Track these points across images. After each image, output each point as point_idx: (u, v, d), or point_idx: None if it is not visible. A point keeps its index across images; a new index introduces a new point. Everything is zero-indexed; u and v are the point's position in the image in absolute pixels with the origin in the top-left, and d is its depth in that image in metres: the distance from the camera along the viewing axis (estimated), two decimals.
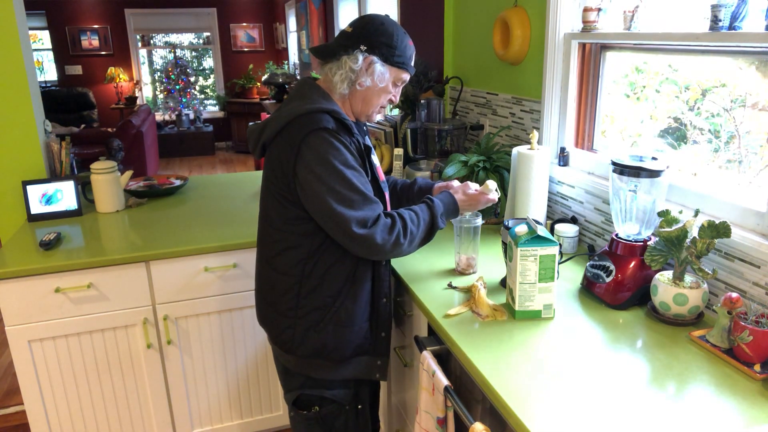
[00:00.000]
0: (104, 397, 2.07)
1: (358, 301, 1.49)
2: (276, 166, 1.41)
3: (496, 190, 1.62)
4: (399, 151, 2.63)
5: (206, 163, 8.09)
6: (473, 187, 1.63)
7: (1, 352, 3.19)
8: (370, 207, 1.38)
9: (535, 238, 1.39)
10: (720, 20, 1.36)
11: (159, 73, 8.91)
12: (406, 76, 1.50)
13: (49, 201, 2.29)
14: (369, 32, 1.41)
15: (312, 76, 1.54)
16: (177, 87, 8.54)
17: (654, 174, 1.45)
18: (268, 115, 1.49)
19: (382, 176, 1.59)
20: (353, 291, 1.48)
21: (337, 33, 5.32)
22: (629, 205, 1.52)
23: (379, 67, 1.42)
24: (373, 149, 1.58)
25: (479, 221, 1.68)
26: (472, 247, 1.68)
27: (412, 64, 1.50)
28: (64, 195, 2.30)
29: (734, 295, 1.27)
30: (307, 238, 1.44)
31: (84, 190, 2.40)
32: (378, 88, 1.46)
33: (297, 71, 7.50)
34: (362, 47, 1.40)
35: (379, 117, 1.63)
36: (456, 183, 1.67)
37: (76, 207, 2.33)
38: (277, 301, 1.50)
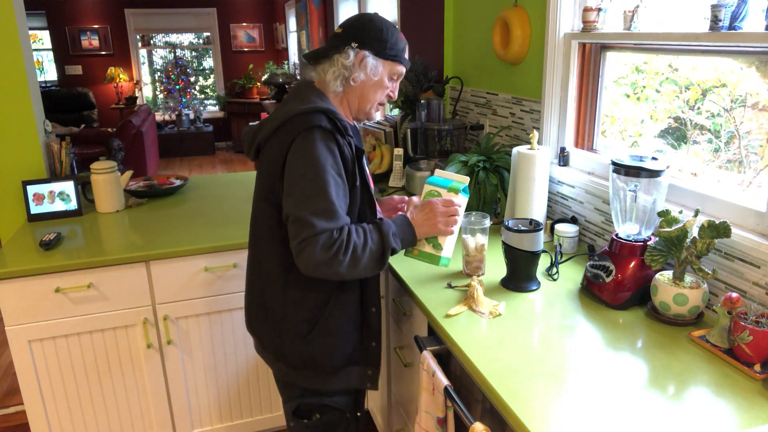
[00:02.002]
0: (104, 397, 2.07)
1: (346, 310, 1.46)
2: (266, 167, 1.39)
3: (464, 190, 1.52)
4: (399, 151, 2.63)
5: (206, 163, 8.09)
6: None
7: (1, 352, 3.19)
8: (329, 220, 1.30)
9: (450, 185, 1.49)
10: (720, 20, 1.36)
11: (159, 73, 8.91)
12: (401, 69, 1.48)
13: (56, 199, 2.29)
14: (358, 29, 1.41)
15: (312, 76, 1.53)
16: (177, 87, 8.54)
17: (654, 174, 1.45)
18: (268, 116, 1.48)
19: (371, 183, 1.55)
20: (341, 300, 1.45)
21: None
22: (629, 205, 1.52)
23: (371, 60, 1.41)
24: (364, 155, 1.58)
25: (487, 222, 1.67)
26: (480, 249, 1.68)
27: (406, 57, 1.48)
28: (63, 196, 2.31)
29: (734, 295, 1.27)
30: (289, 244, 1.38)
31: (84, 190, 2.40)
32: (373, 82, 1.44)
33: (297, 71, 7.50)
34: (353, 44, 1.40)
35: (378, 115, 1.58)
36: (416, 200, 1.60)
37: (76, 207, 2.33)
38: (266, 306, 1.48)
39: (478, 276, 1.68)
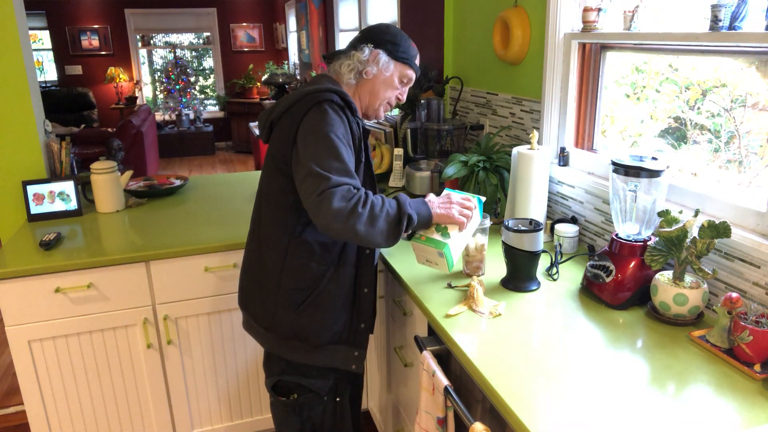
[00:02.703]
0: (104, 397, 2.07)
1: (340, 286, 1.52)
2: (278, 139, 1.47)
3: (475, 207, 1.53)
4: (399, 151, 2.63)
5: (206, 163, 8.09)
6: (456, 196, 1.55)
7: (1, 352, 3.19)
8: (345, 176, 1.34)
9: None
10: (720, 20, 1.36)
11: (159, 73, 8.91)
12: (411, 74, 1.60)
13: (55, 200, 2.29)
14: (374, 33, 1.55)
15: (312, 75, 1.58)
16: (177, 87, 8.54)
17: (654, 174, 1.45)
18: None
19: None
20: (336, 275, 1.51)
21: (336, 33, 5.33)
22: (629, 205, 1.52)
23: (384, 57, 1.54)
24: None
25: (487, 222, 1.68)
26: (480, 249, 1.68)
27: (417, 64, 1.60)
28: (62, 196, 2.31)
29: (734, 295, 1.27)
30: (297, 213, 1.47)
31: (84, 190, 2.40)
32: (384, 77, 1.55)
33: (297, 71, 7.50)
34: (369, 45, 1.54)
35: (383, 114, 1.64)
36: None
37: (76, 207, 2.33)
38: (261, 276, 1.54)
39: (478, 276, 1.68)
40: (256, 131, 5.40)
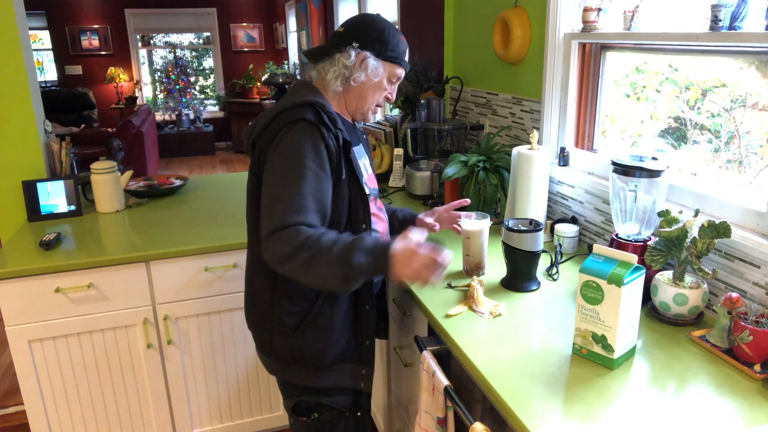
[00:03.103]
0: (104, 397, 2.07)
1: (337, 306, 1.45)
2: (255, 161, 1.40)
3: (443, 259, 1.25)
4: (399, 151, 2.63)
5: (206, 163, 8.09)
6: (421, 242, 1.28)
7: (1, 352, 3.19)
8: (300, 214, 1.26)
9: (634, 269, 1.20)
10: (720, 20, 1.36)
11: (159, 73, 8.91)
12: (401, 72, 1.49)
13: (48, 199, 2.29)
14: (360, 29, 1.42)
15: (312, 75, 1.54)
16: (177, 87, 8.54)
17: (654, 174, 1.45)
18: None
19: (370, 180, 1.54)
20: (331, 295, 1.43)
21: None
22: (629, 205, 1.52)
23: (372, 61, 1.42)
24: (364, 149, 1.56)
25: (488, 222, 1.67)
26: (480, 248, 1.68)
27: (407, 59, 1.49)
28: (61, 195, 2.31)
29: (734, 295, 1.27)
30: None
31: (84, 190, 2.40)
32: (373, 83, 1.45)
33: (297, 71, 7.50)
34: (354, 44, 1.40)
35: (375, 116, 1.56)
36: (429, 220, 1.68)
37: (76, 207, 2.33)
38: (256, 304, 1.49)
39: (479, 276, 1.68)
40: None
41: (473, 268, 1.69)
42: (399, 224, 1.71)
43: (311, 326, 1.44)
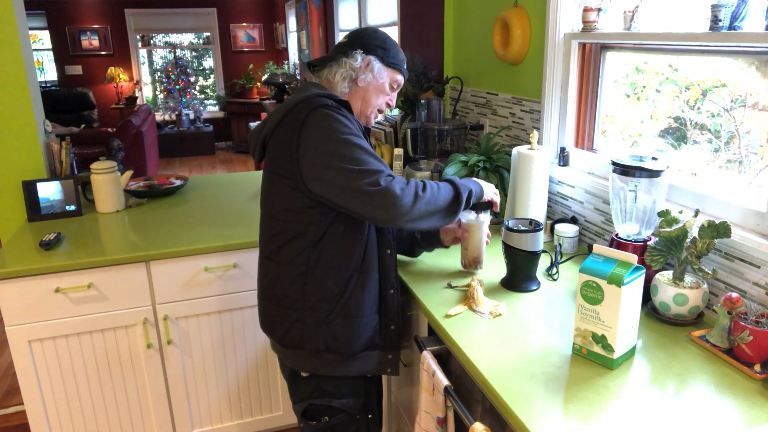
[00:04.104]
0: (104, 397, 2.07)
1: (366, 291, 1.49)
2: (278, 156, 1.42)
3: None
4: (399, 151, 2.63)
5: (206, 163, 8.08)
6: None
7: (1, 352, 3.19)
8: (383, 165, 1.37)
9: (635, 269, 1.20)
10: (720, 20, 1.36)
11: (159, 73, 8.91)
12: (401, 78, 1.58)
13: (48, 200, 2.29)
14: (363, 38, 1.53)
15: (312, 77, 1.58)
16: (177, 87, 8.54)
17: (654, 174, 1.45)
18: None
19: None
20: (361, 280, 1.48)
21: (336, 33, 5.33)
22: (629, 205, 1.52)
23: (378, 64, 1.52)
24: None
25: (487, 216, 1.67)
26: (479, 243, 1.67)
27: (405, 69, 1.59)
28: (61, 194, 2.31)
29: (734, 295, 1.27)
30: (313, 225, 1.43)
31: (84, 190, 2.40)
32: (377, 84, 1.53)
33: (297, 71, 7.50)
34: (359, 50, 1.51)
35: (374, 121, 1.63)
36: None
37: (76, 207, 2.33)
38: (282, 296, 1.48)
39: (476, 270, 1.69)
40: None
41: (471, 262, 1.69)
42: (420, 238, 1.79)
43: (342, 312, 1.47)
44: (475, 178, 1.58)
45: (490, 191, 1.59)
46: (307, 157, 1.36)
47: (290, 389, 1.61)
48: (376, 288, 1.52)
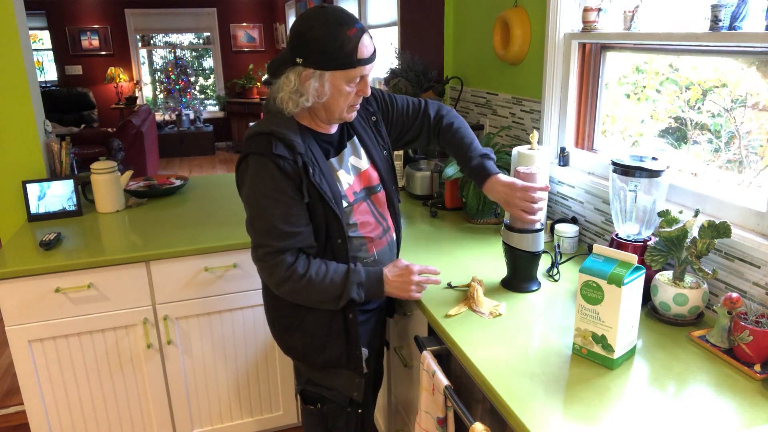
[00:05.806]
0: (104, 397, 2.07)
1: (320, 315, 1.47)
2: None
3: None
4: (399, 152, 2.63)
5: (206, 163, 8.09)
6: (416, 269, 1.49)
7: (1, 352, 3.19)
8: (275, 238, 1.35)
9: (634, 269, 1.19)
10: (720, 20, 1.36)
11: (159, 73, 8.91)
12: (357, 72, 1.33)
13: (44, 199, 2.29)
14: (300, 43, 1.31)
15: None
16: (177, 87, 8.54)
17: (654, 174, 1.45)
18: None
19: (356, 183, 1.49)
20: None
21: None
22: (629, 205, 1.52)
23: (314, 82, 1.32)
24: (358, 144, 1.52)
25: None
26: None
27: (361, 55, 1.31)
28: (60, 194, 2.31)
29: (734, 295, 1.27)
30: None
31: (84, 190, 2.40)
32: (332, 90, 1.34)
33: None
34: (298, 60, 1.31)
35: (354, 114, 1.46)
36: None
37: (76, 207, 2.33)
38: (266, 295, 1.58)
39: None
40: None
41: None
42: (469, 172, 1.60)
43: (300, 328, 1.50)
44: (387, 277, 1.45)
45: (408, 293, 1.47)
46: (243, 197, 1.44)
47: (294, 368, 1.71)
48: (332, 312, 1.47)
